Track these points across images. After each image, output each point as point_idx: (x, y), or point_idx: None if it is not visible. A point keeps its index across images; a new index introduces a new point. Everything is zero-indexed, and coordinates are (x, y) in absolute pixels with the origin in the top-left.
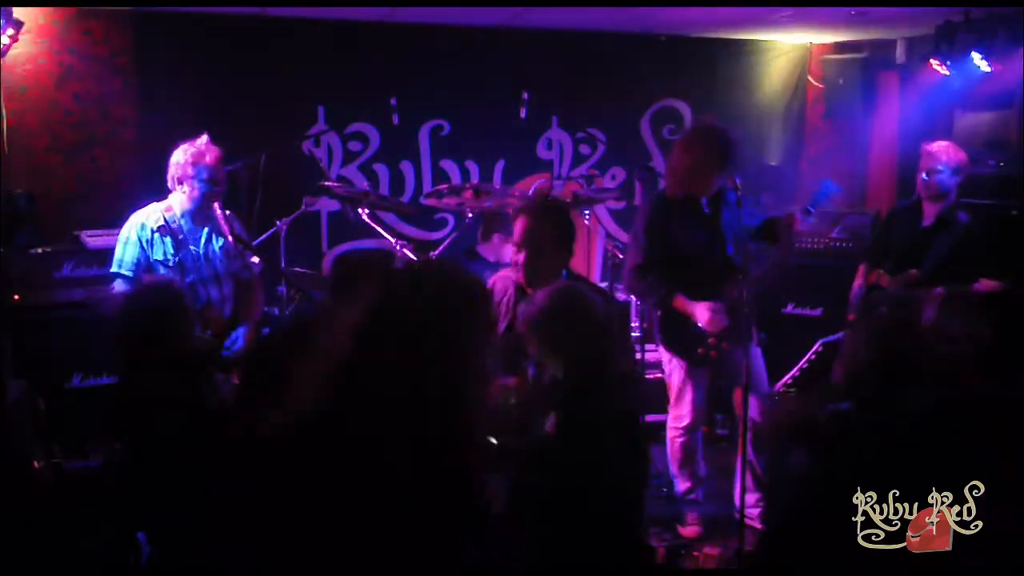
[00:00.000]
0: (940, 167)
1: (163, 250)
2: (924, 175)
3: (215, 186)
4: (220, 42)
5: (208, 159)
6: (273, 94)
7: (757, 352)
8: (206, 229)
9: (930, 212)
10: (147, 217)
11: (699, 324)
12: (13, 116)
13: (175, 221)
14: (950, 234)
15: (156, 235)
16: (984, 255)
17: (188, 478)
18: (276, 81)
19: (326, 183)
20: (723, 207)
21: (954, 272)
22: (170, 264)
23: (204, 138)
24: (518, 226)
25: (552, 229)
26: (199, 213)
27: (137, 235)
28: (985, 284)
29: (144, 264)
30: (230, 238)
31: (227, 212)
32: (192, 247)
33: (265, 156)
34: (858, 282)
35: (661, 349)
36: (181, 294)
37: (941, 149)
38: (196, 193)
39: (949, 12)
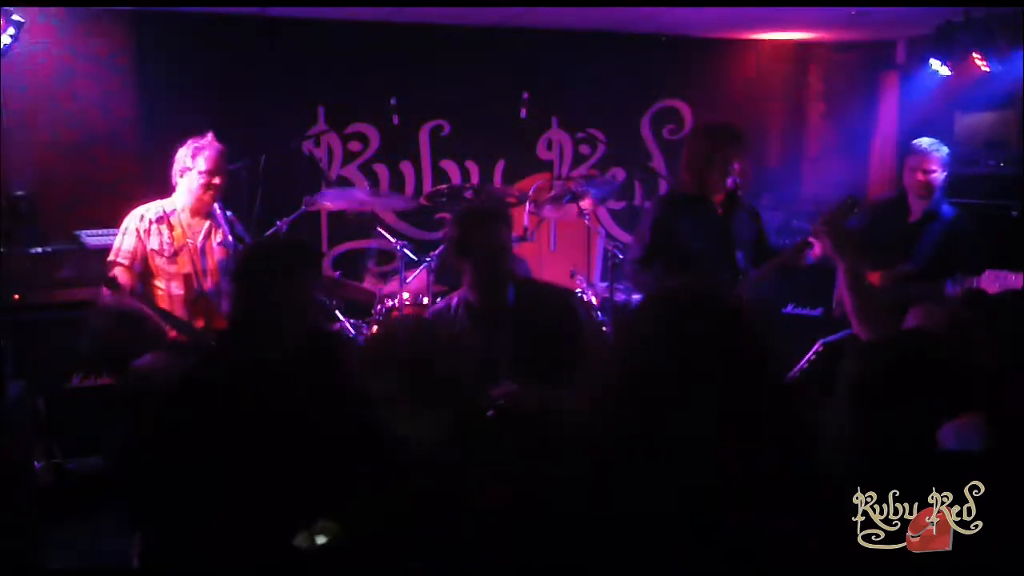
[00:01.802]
0: (935, 167)
1: (159, 240)
2: (920, 174)
3: (213, 178)
4: (220, 42)
5: (208, 153)
6: (273, 94)
7: None
8: (206, 224)
9: (917, 208)
10: (147, 210)
11: None
12: (13, 116)
13: (175, 214)
14: (937, 228)
15: (153, 225)
16: (970, 250)
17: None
18: (276, 81)
19: (325, 191)
20: (736, 211)
21: (943, 267)
22: (165, 254)
23: (209, 135)
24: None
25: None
26: (199, 207)
27: (135, 225)
28: None
29: (140, 253)
30: (229, 237)
31: (228, 213)
32: (189, 240)
33: (265, 156)
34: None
35: None
36: (133, 310)
37: (934, 148)
38: (195, 185)
39: (949, 12)
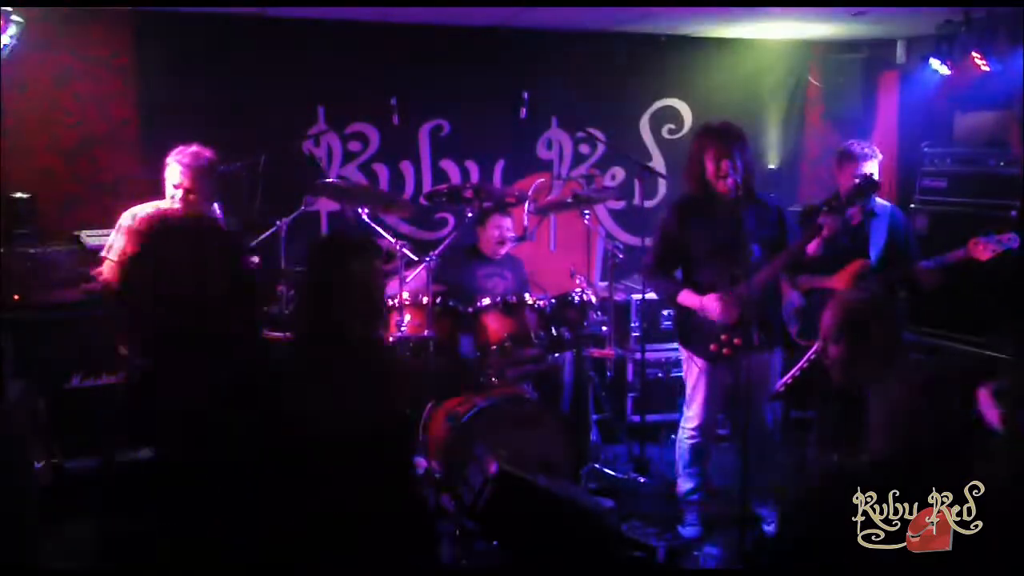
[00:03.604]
0: (869, 169)
1: None
2: (860, 177)
3: (176, 190)
4: (220, 42)
5: (172, 167)
6: (273, 94)
7: (777, 355)
8: None
9: (853, 210)
10: (140, 209)
11: (709, 316)
12: (13, 116)
13: None
14: (881, 223)
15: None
16: (913, 240)
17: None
18: (276, 81)
19: (327, 179)
20: (745, 209)
21: (897, 257)
22: None
23: (192, 147)
24: None
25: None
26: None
27: (126, 224)
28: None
29: (129, 251)
30: None
31: (226, 205)
32: None
33: (265, 156)
34: (793, 293)
35: (680, 347)
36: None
37: (869, 151)
38: (167, 195)
39: (949, 12)
